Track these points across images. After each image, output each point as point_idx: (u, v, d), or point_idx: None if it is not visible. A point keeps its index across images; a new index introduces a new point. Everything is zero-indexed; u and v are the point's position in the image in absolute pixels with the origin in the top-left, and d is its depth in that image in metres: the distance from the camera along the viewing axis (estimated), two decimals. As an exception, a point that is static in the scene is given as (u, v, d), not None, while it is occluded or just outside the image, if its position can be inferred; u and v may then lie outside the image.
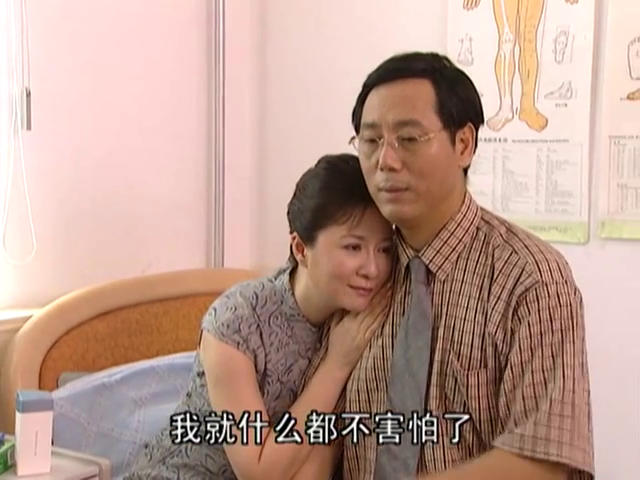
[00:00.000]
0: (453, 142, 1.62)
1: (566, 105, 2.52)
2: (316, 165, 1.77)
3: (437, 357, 1.62)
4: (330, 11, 2.89)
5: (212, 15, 2.90)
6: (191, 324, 2.49)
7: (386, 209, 1.63)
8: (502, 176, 2.62)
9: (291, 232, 1.77)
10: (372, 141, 1.62)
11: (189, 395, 1.86)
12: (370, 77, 1.65)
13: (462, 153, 1.64)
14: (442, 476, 1.61)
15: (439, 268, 1.66)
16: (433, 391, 1.62)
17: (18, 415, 1.82)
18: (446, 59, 1.68)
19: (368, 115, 1.63)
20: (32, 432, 1.81)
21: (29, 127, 2.39)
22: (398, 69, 1.63)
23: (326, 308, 1.78)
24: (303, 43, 2.95)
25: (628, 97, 2.42)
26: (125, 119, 2.67)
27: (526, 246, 1.62)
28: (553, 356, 1.54)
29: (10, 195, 2.38)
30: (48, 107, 2.44)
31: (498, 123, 2.62)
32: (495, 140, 2.62)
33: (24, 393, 1.88)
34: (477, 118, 1.66)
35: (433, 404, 1.62)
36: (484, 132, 2.58)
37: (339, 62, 2.78)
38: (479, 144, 2.67)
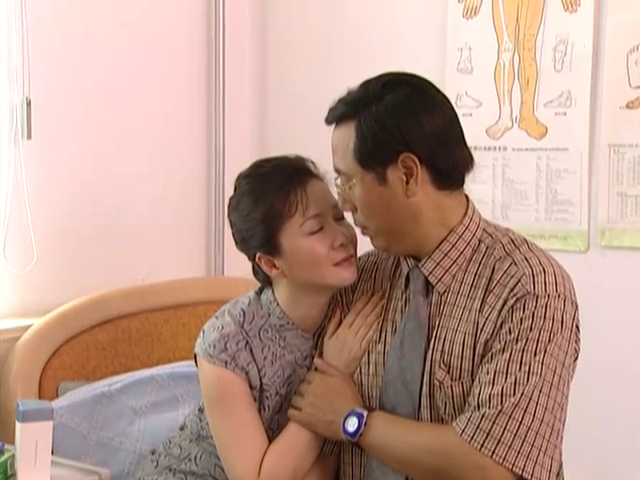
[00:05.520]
0: (384, 180, 1.60)
1: (565, 114, 2.52)
2: (235, 189, 1.78)
3: (427, 367, 1.63)
4: (329, 20, 2.90)
5: (212, 23, 2.91)
6: (191, 333, 2.48)
7: None
8: (502, 184, 2.62)
9: (253, 258, 1.76)
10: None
11: (201, 410, 1.84)
12: (325, 118, 1.69)
13: (407, 183, 1.60)
14: (393, 426, 1.63)
15: (439, 281, 1.66)
16: (424, 401, 1.63)
17: (18, 425, 1.81)
18: (392, 85, 1.62)
19: None
20: (32, 442, 1.80)
21: (29, 136, 2.39)
22: (331, 116, 1.66)
23: (315, 308, 1.77)
24: (302, 52, 2.95)
25: (627, 106, 2.42)
26: (125, 128, 2.68)
27: (526, 258, 1.61)
28: (521, 361, 1.54)
29: (10, 204, 2.38)
30: (49, 116, 2.45)
31: (498, 132, 2.62)
32: (495, 149, 2.62)
33: (24, 402, 1.87)
34: (415, 145, 1.59)
35: (425, 413, 1.63)
36: (484, 141, 2.62)
37: (338, 71, 2.78)
38: (479, 153, 2.69)
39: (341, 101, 1.65)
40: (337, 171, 1.67)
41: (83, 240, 2.56)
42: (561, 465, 1.69)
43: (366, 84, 1.65)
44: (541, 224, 2.57)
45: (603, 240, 2.48)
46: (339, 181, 1.67)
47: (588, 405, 2.35)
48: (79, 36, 2.55)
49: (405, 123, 1.59)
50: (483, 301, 1.60)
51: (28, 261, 2.41)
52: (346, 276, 1.72)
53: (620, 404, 2.42)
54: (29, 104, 2.38)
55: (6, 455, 1.84)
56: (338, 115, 1.65)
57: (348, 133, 1.62)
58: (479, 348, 1.59)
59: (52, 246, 2.47)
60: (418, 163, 1.59)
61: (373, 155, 1.60)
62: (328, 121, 1.67)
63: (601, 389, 2.42)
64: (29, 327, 2.33)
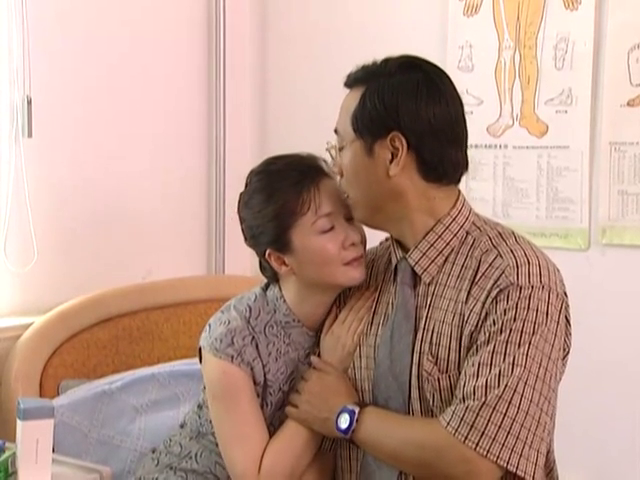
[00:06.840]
0: (370, 151, 1.63)
1: (566, 112, 2.52)
2: (247, 185, 1.78)
3: (415, 359, 1.63)
4: (329, 18, 2.89)
5: (213, 21, 2.91)
6: (192, 331, 2.49)
7: None
8: (502, 182, 2.62)
9: (263, 254, 1.76)
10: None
11: (200, 407, 1.85)
12: (345, 82, 1.73)
13: (391, 162, 1.62)
14: (384, 421, 1.63)
15: (424, 271, 1.66)
16: (414, 393, 1.63)
17: (19, 423, 1.81)
18: (407, 67, 1.66)
19: None
20: (33, 440, 1.80)
21: (30, 135, 2.39)
22: (348, 80, 1.70)
23: (321, 307, 1.77)
24: (302, 50, 2.95)
25: (628, 103, 2.42)
26: (126, 126, 2.68)
27: (512, 250, 1.61)
28: (505, 352, 1.53)
29: (11, 202, 2.39)
30: (49, 115, 2.45)
31: (498, 129, 2.62)
32: (495, 146, 2.62)
33: (25, 401, 1.87)
34: (406, 128, 1.61)
35: (416, 405, 1.63)
36: (484, 139, 2.62)
37: (339, 69, 2.77)
38: (479, 150, 2.68)
39: (362, 68, 1.70)
40: (336, 131, 1.70)
41: (84, 238, 2.56)
42: (554, 462, 1.69)
43: (387, 59, 1.69)
44: (542, 222, 2.56)
45: (604, 238, 2.48)
46: (334, 141, 1.70)
47: (588, 405, 2.35)
48: (80, 34, 2.55)
49: (404, 105, 1.62)
50: (468, 293, 1.60)
51: (29, 260, 2.41)
52: (355, 276, 1.72)
53: (620, 404, 2.42)
54: (30, 102, 2.38)
55: (7, 453, 1.84)
56: (353, 79, 1.69)
57: (355, 97, 1.66)
58: (464, 340, 1.59)
59: (53, 245, 2.48)
60: (405, 146, 1.61)
61: (366, 124, 1.63)
62: (346, 84, 1.71)
63: (601, 389, 2.42)
64: (30, 325, 2.34)
